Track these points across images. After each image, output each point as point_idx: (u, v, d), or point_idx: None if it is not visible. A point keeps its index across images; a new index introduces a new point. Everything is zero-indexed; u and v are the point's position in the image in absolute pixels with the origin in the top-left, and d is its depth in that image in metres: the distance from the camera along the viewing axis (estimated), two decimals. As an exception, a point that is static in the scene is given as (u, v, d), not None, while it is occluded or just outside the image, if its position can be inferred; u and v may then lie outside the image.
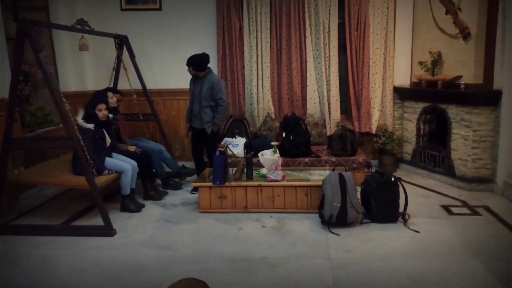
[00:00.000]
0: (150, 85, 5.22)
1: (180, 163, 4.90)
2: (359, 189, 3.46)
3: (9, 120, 3.24)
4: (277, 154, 3.59)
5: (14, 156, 4.03)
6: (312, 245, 3.02)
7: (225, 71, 5.12)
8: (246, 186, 3.64)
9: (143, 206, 3.91)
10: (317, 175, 3.84)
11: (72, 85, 5.21)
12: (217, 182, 3.58)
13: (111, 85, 4.80)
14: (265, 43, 5.03)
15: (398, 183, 3.34)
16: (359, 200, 3.34)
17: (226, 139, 4.75)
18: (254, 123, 5.21)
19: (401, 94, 5.06)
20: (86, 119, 3.61)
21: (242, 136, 4.83)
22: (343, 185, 3.22)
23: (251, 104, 5.19)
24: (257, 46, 5.04)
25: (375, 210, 3.32)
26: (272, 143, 3.68)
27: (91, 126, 3.56)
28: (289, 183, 3.61)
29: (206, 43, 5.12)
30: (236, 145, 4.64)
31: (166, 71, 5.25)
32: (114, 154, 3.86)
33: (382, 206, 3.31)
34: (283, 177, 3.69)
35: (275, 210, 3.65)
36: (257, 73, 5.10)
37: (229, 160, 4.24)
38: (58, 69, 5.10)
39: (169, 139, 5.30)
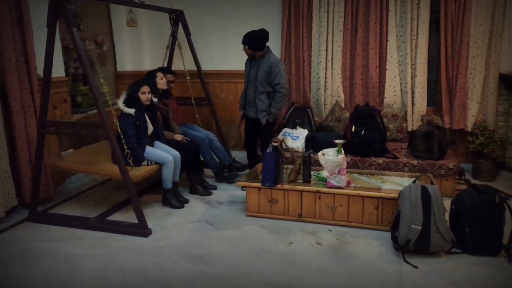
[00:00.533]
0: (207, 66, 4.77)
1: (233, 154, 4.43)
2: (446, 203, 2.65)
3: (44, 102, 2.97)
4: (342, 155, 2.91)
5: (62, 138, 3.86)
6: (379, 278, 2.34)
7: (289, 51, 4.47)
8: (301, 191, 3.03)
9: (186, 201, 3.50)
10: (392, 183, 3.09)
11: (128, 65, 4.95)
12: (267, 184, 3.02)
13: (165, 65, 4.43)
14: (338, 18, 4.26)
15: (505, 205, 2.49)
16: (448, 224, 2.56)
17: (285, 130, 4.14)
18: (319, 112, 4.53)
19: (509, 83, 3.99)
20: (128, 102, 3.24)
21: (304, 127, 4.18)
22: (427, 203, 2.46)
23: (317, 90, 4.50)
24: (327, 21, 4.30)
25: (469, 238, 2.52)
26: (336, 141, 3.00)
27: (132, 111, 3.19)
28: (355, 192, 2.92)
29: (270, 18, 4.49)
30: (297, 138, 4.01)
31: (224, 50, 4.73)
32: (157, 143, 3.47)
33: (480, 233, 2.50)
34: (348, 183, 3.01)
35: (335, 222, 3.00)
36: (326, 54, 4.37)
37: (287, 156, 3.65)
38: (115, 47, 4.88)
39: (224, 126, 4.85)
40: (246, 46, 3.53)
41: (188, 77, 4.34)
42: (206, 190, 3.73)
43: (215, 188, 3.84)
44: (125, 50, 4.91)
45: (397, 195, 2.67)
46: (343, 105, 4.41)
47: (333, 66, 4.39)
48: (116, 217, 3.23)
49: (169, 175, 3.33)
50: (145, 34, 4.97)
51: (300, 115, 4.33)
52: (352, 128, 3.81)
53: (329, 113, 4.43)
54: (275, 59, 3.54)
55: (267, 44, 3.60)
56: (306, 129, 4.13)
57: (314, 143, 3.90)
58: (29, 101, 3.27)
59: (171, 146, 3.52)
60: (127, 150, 3.06)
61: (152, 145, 3.42)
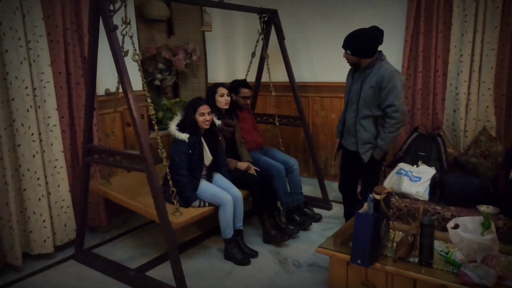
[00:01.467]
0: (305, 77, 3.92)
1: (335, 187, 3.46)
2: None
3: (88, 123, 2.50)
4: (492, 235, 1.71)
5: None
6: None
7: (415, 57, 3.28)
8: (415, 280, 1.91)
9: (254, 255, 2.68)
10: None
11: (221, 75, 4.39)
12: (358, 261, 1.99)
13: (246, 76, 3.68)
14: (493, 9, 2.93)
15: None
16: None
17: (401, 166, 2.98)
18: (456, 142, 3.23)
19: None
20: (182, 126, 2.59)
21: (430, 164, 2.97)
22: None
23: (454, 110, 3.21)
24: (476, 15, 3.00)
25: None
26: (482, 209, 1.78)
27: (185, 136, 2.53)
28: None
29: (389, 13, 3.39)
30: (417, 179, 2.83)
31: (328, 57, 3.77)
32: (217, 177, 2.76)
33: None
34: (500, 278, 1.78)
35: None
36: (471, 61, 3.07)
37: (402, 206, 2.55)
38: (207, 56, 4.36)
39: (324, 151, 3.90)
40: (348, 51, 2.54)
41: (272, 92, 3.51)
42: (282, 236, 2.84)
43: (296, 233, 2.93)
44: (217, 59, 4.37)
45: None
46: (494, 134, 3.04)
47: (481, 78, 3.06)
48: (159, 271, 2.54)
49: (227, 221, 2.56)
50: (239, 41, 4.34)
51: (425, 145, 3.11)
52: (509, 173, 2.49)
53: (471, 144, 3.10)
54: (389, 70, 2.47)
55: (379, 48, 2.55)
56: (433, 167, 2.91)
57: (443, 190, 2.70)
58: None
59: (235, 178, 2.77)
60: (172, 188, 2.38)
61: (210, 179, 2.71)
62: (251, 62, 3.61)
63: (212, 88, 3.03)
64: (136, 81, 3.48)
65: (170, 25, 4.27)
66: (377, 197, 2.05)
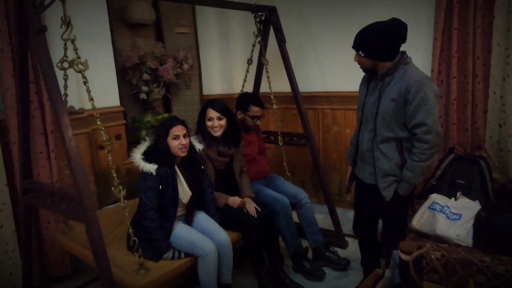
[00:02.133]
0: (312, 86, 3.34)
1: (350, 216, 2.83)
2: None
3: (24, 154, 1.96)
4: None
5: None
6: None
7: (448, 59, 2.64)
8: None
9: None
10: None
11: (217, 87, 3.84)
12: None
13: (243, 87, 3.10)
14: (552, -7, 2.28)
15: None
16: None
17: (433, 198, 2.32)
18: (503, 164, 2.55)
19: None
20: (150, 154, 2.03)
21: (472, 195, 2.31)
22: None
23: (500, 125, 2.55)
24: (528, 2, 2.35)
25: None
26: None
27: (152, 168, 1.96)
28: None
29: (415, 5, 2.77)
30: (457, 217, 2.18)
31: (339, 63, 3.18)
32: (201, 217, 2.18)
33: None
34: None
35: None
36: (523, 62, 2.41)
37: (437, 257, 1.91)
38: (201, 64, 3.81)
39: (337, 174, 3.28)
40: (360, 53, 1.91)
41: (274, 105, 2.92)
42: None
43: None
44: (213, 68, 3.82)
45: None
46: (555, 155, 2.36)
47: (537, 84, 2.39)
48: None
49: (208, 278, 1.96)
50: (237, 46, 3.79)
51: (464, 170, 2.46)
52: None
53: (524, 168, 2.43)
54: (416, 76, 1.82)
55: (402, 48, 1.92)
56: (476, 201, 2.25)
57: (492, 233, 2.04)
58: (42, 145, 2.35)
59: (225, 218, 2.20)
60: (133, 238, 1.82)
61: (190, 220, 2.13)
62: (247, 71, 3.03)
63: (203, 109, 2.42)
64: (113, 96, 3.02)
65: (159, 29, 3.75)
66: (405, 257, 1.43)
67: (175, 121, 2.08)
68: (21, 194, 1.99)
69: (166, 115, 3.55)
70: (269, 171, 2.84)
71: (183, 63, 3.60)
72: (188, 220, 2.14)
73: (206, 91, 3.81)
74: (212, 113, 2.34)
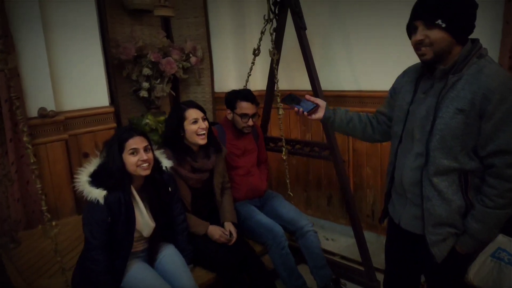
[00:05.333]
0: (341, 84, 2.73)
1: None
2: None
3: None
4: None
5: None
6: None
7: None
8: None
9: None
10: None
11: (232, 82, 3.32)
12: None
13: (247, 77, 2.56)
14: None
15: None
16: None
17: (499, 243, 1.66)
18: None
19: None
20: (99, 176, 1.54)
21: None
22: None
23: None
24: None
25: None
26: None
27: (99, 194, 1.48)
28: None
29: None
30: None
31: (375, 57, 2.56)
32: (168, 254, 1.70)
33: None
34: None
35: None
36: None
37: None
38: (213, 57, 3.30)
39: (369, 190, 2.68)
40: (440, 23, 1.18)
41: (281, 110, 2.33)
42: None
43: None
44: (226, 61, 3.31)
45: None
46: None
47: None
48: None
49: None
50: (253, 37, 3.23)
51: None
52: None
53: None
54: (500, 77, 1.16)
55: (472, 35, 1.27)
56: None
57: None
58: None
59: (199, 253, 1.75)
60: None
61: (152, 257, 1.66)
62: (253, 63, 2.49)
63: (177, 114, 1.93)
64: (100, 94, 2.58)
65: (166, 17, 3.26)
66: None
67: (131, 131, 1.60)
68: None
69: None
70: (267, 187, 2.32)
71: (191, 55, 3.11)
72: (151, 257, 1.68)
73: (219, 87, 3.32)
74: (195, 113, 1.90)
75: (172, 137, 1.90)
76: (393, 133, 1.43)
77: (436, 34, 1.20)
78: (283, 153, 2.35)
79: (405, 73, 1.45)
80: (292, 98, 1.53)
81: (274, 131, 3.07)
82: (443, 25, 1.19)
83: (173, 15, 2.56)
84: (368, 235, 2.57)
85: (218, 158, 2.00)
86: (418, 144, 1.29)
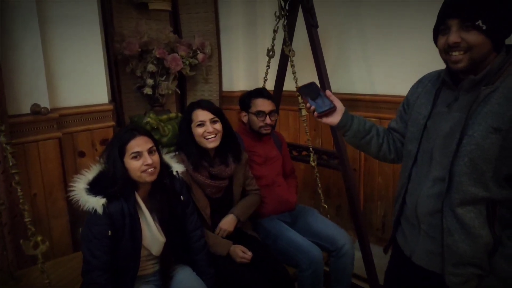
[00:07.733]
0: (354, 87, 2.55)
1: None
2: None
3: None
4: None
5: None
6: None
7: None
8: None
9: None
10: None
11: (241, 81, 3.19)
12: None
13: (263, 82, 2.39)
14: None
15: None
16: None
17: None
18: None
19: None
20: (98, 184, 1.39)
21: None
22: None
23: None
24: None
25: None
26: None
27: (97, 203, 1.32)
28: None
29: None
30: None
31: (391, 60, 2.37)
32: (184, 276, 1.50)
33: None
34: None
35: None
36: None
37: None
38: (222, 54, 3.16)
39: (380, 202, 2.50)
40: (481, 24, 0.99)
41: (303, 111, 2.18)
42: None
43: None
44: (236, 60, 3.17)
45: None
46: None
47: None
48: None
49: None
50: (266, 34, 3.08)
51: None
52: None
53: None
54: None
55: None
56: None
57: None
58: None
59: (221, 275, 1.54)
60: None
61: (166, 283, 1.45)
62: (268, 66, 2.31)
63: (185, 115, 1.76)
64: (99, 91, 2.46)
65: (175, 11, 3.14)
66: None
67: (132, 131, 1.42)
68: None
69: (173, 114, 2.96)
70: (297, 201, 2.09)
71: (199, 51, 2.98)
72: (164, 282, 1.45)
73: (227, 86, 3.18)
74: (202, 115, 1.69)
75: (185, 140, 1.72)
76: (407, 152, 1.23)
77: (475, 38, 1.00)
78: (311, 159, 2.16)
79: (420, 82, 1.25)
80: (312, 88, 1.31)
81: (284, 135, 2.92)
82: (484, 27, 0.99)
83: (169, 8, 2.42)
84: (377, 250, 2.39)
85: (238, 165, 1.80)
86: (437, 167, 1.09)
